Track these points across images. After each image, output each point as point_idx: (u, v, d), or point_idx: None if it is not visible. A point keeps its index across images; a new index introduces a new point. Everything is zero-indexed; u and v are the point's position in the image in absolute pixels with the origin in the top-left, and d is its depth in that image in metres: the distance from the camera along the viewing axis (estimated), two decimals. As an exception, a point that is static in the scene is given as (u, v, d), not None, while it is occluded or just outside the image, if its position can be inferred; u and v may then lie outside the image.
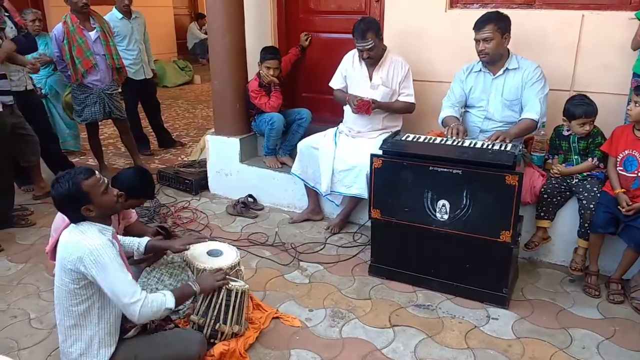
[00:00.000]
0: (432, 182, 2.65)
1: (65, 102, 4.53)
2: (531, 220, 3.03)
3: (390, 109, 3.41)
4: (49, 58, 4.48)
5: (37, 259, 3.16)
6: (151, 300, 1.92)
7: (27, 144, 3.86)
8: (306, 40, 4.19)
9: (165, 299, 1.97)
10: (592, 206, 2.74)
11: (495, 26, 2.88)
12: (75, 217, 1.95)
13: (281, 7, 4.26)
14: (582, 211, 2.77)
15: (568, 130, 2.91)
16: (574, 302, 2.70)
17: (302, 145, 3.55)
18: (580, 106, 2.82)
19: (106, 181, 2.03)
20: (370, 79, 3.38)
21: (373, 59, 3.30)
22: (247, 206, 3.90)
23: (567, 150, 2.96)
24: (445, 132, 2.96)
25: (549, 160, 3.10)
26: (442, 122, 3.16)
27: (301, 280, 2.96)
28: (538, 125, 2.93)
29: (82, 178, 1.93)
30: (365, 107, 3.25)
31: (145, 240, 2.40)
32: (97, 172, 2.01)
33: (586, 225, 2.77)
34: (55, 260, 2.01)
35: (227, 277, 2.33)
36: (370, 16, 3.30)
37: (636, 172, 2.68)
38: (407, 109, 3.44)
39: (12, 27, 3.72)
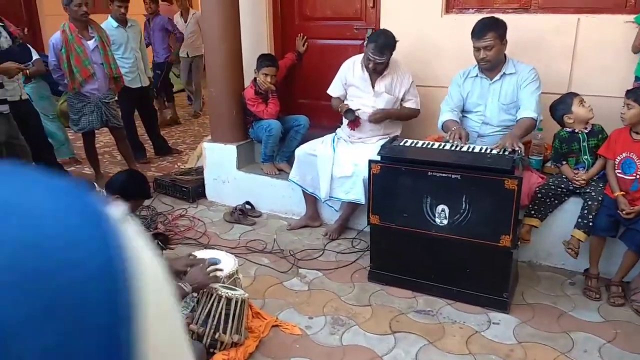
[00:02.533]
0: (431, 187, 2.65)
1: (61, 110, 4.52)
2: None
3: (396, 116, 3.43)
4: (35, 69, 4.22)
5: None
6: None
7: (19, 154, 3.83)
8: (303, 44, 4.19)
9: None
10: (600, 198, 2.74)
11: (495, 34, 2.88)
12: None
13: (277, 14, 4.26)
14: (590, 202, 2.76)
15: (574, 131, 2.90)
16: (574, 306, 2.69)
17: (300, 152, 3.55)
18: (553, 111, 2.90)
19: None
20: (373, 87, 3.38)
21: (376, 71, 3.30)
22: (244, 213, 3.88)
23: (578, 151, 2.93)
24: (447, 136, 2.95)
25: (550, 164, 3.09)
26: (442, 127, 3.15)
27: (300, 288, 2.94)
28: (537, 124, 2.93)
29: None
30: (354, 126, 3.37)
31: None
32: (95, 184, 2.00)
33: (590, 217, 2.75)
34: None
35: (226, 286, 2.32)
36: (389, 31, 3.28)
37: (634, 174, 2.68)
38: (412, 115, 3.45)
39: (6, 37, 3.71)
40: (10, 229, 0.26)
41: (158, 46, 6.30)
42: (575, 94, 2.89)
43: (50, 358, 0.25)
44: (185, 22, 6.78)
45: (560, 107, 2.91)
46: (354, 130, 3.43)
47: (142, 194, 2.62)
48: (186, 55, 6.89)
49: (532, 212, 2.94)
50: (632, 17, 2.98)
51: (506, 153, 2.64)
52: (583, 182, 2.86)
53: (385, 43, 3.18)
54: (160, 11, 6.32)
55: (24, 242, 0.26)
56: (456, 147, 2.77)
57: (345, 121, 3.45)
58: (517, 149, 2.65)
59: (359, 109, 3.33)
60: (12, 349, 0.24)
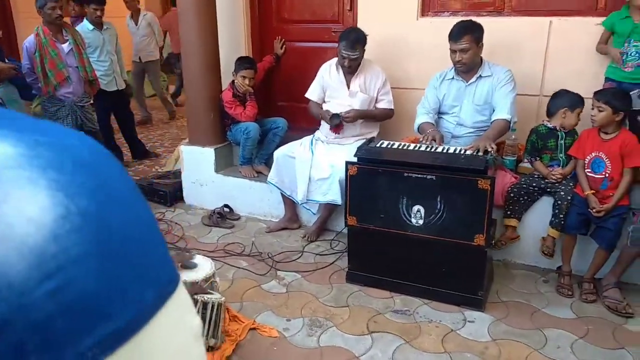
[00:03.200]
0: (407, 188, 2.67)
1: (34, 113, 4.43)
2: (501, 220, 3.07)
3: (371, 116, 3.45)
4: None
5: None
6: None
7: None
8: (281, 47, 4.19)
9: None
10: (569, 198, 2.80)
11: (471, 36, 2.92)
12: None
13: (254, 16, 4.26)
14: (559, 202, 2.82)
15: (555, 128, 2.94)
16: (547, 303, 2.74)
17: (278, 153, 3.54)
18: (559, 97, 2.92)
19: None
20: (348, 87, 3.41)
21: (351, 68, 3.34)
22: (223, 216, 3.86)
23: (554, 148, 2.98)
24: (421, 139, 2.98)
25: (524, 164, 3.15)
26: (418, 129, 3.19)
27: (279, 290, 2.93)
28: (511, 126, 2.98)
29: None
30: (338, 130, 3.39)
31: None
32: None
33: (561, 216, 2.81)
34: None
35: (202, 289, 2.30)
36: (358, 27, 3.38)
37: (603, 173, 2.74)
38: (386, 115, 3.48)
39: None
40: None
41: None
42: (581, 102, 2.90)
43: None
44: (136, 24, 6.26)
45: (566, 99, 2.90)
46: (338, 133, 3.44)
47: None
48: (138, 60, 6.38)
49: (509, 212, 2.99)
50: (602, 19, 3.05)
51: (479, 154, 2.68)
52: (559, 177, 2.90)
53: (356, 37, 3.25)
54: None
55: None
56: (431, 148, 2.81)
57: (326, 125, 3.45)
58: (489, 149, 2.69)
59: (341, 112, 3.35)
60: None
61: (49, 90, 4.02)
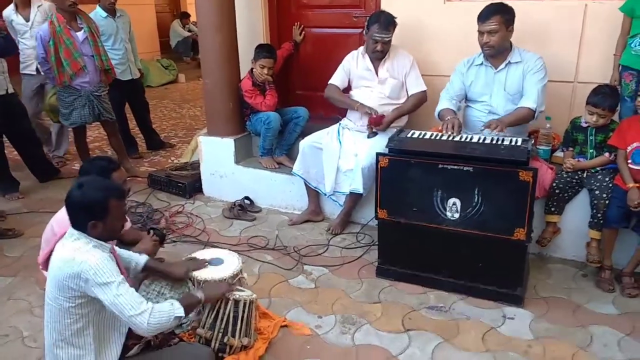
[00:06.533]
0: (442, 180, 2.57)
1: (50, 104, 4.33)
2: (539, 216, 2.96)
3: (405, 111, 3.34)
4: None
5: (26, 272, 3.00)
6: (158, 310, 1.79)
7: None
8: (300, 34, 4.06)
9: (173, 308, 1.84)
10: (604, 196, 2.68)
11: (501, 18, 2.80)
12: (78, 225, 1.81)
13: (273, 2, 4.13)
14: (595, 201, 2.71)
15: (586, 123, 2.83)
16: (589, 298, 2.64)
17: (304, 144, 3.44)
18: (596, 95, 2.75)
19: (127, 208, 1.91)
20: (377, 74, 3.29)
21: (383, 52, 3.23)
22: (244, 209, 3.77)
23: (583, 142, 2.88)
24: (441, 127, 2.88)
25: (558, 154, 3.03)
26: (438, 115, 3.08)
27: (307, 285, 2.85)
28: (535, 115, 2.86)
29: (113, 195, 1.81)
30: (377, 122, 3.23)
31: (144, 258, 2.22)
32: (125, 196, 1.89)
33: (599, 215, 2.70)
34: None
35: (234, 286, 2.22)
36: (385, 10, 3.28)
37: (646, 164, 2.62)
38: (420, 101, 3.36)
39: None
40: None
41: None
42: (591, 104, 2.75)
43: None
44: (28, 20, 4.45)
45: (605, 100, 2.73)
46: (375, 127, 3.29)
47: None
48: (34, 72, 4.50)
49: (552, 208, 2.88)
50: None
51: (515, 143, 2.56)
52: (570, 168, 2.83)
53: (387, 19, 3.18)
54: None
55: None
56: (468, 138, 2.69)
57: (354, 112, 3.33)
58: (498, 134, 2.62)
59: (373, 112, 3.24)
60: None
61: (65, 80, 3.92)
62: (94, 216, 1.77)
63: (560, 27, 3.17)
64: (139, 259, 2.22)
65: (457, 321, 2.48)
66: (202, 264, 2.36)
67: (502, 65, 2.96)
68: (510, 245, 2.50)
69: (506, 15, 2.84)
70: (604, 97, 2.72)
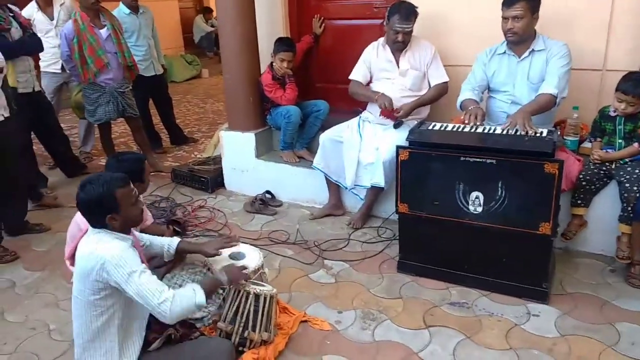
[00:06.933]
0: (464, 173, 2.51)
1: (75, 101, 4.41)
2: (565, 208, 2.87)
3: (424, 103, 3.29)
4: None
5: (53, 266, 3.07)
6: (180, 297, 1.82)
7: None
8: (320, 26, 4.03)
9: (194, 294, 1.86)
10: (635, 188, 2.58)
11: (527, 4, 2.71)
12: (97, 223, 1.84)
13: (292, -5, 4.10)
14: (625, 194, 2.60)
15: (615, 111, 2.73)
16: (617, 294, 2.55)
17: (324, 137, 3.41)
18: (626, 82, 2.65)
19: (137, 192, 1.93)
20: (398, 66, 3.24)
21: (404, 43, 3.18)
22: (265, 203, 3.78)
23: (612, 132, 2.78)
24: (463, 117, 2.81)
25: (586, 144, 2.93)
26: (460, 106, 3.01)
27: (327, 280, 2.84)
28: (557, 101, 2.76)
29: (117, 185, 1.82)
30: (389, 115, 3.20)
31: (175, 241, 2.28)
32: (130, 182, 1.91)
33: (629, 209, 2.60)
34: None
35: (254, 281, 2.23)
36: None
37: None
38: (441, 92, 3.30)
39: (17, 28, 3.60)
40: None
41: None
42: (620, 90, 2.65)
43: None
44: (52, 19, 4.46)
45: (633, 82, 2.63)
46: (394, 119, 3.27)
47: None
48: (59, 70, 4.51)
49: (579, 201, 2.80)
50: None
51: (540, 134, 2.48)
52: (597, 159, 2.75)
53: (408, 9, 3.13)
54: None
55: None
56: (491, 130, 2.62)
57: (375, 105, 3.29)
58: (529, 131, 2.49)
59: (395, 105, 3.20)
60: None
61: (89, 77, 3.99)
62: (108, 210, 1.80)
63: (588, 14, 3.05)
64: (172, 241, 2.27)
65: (480, 318, 2.43)
66: (233, 239, 2.38)
67: (526, 54, 2.87)
68: (535, 240, 2.43)
69: (532, 1, 2.75)
70: (634, 83, 2.61)
